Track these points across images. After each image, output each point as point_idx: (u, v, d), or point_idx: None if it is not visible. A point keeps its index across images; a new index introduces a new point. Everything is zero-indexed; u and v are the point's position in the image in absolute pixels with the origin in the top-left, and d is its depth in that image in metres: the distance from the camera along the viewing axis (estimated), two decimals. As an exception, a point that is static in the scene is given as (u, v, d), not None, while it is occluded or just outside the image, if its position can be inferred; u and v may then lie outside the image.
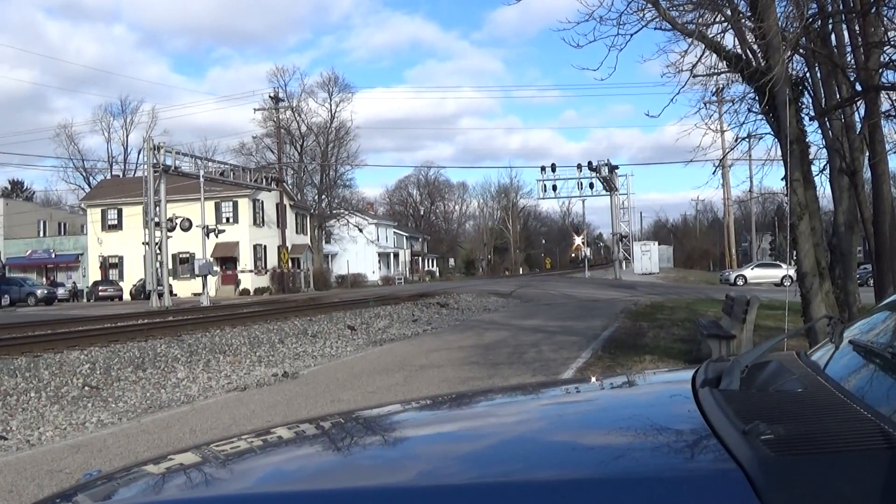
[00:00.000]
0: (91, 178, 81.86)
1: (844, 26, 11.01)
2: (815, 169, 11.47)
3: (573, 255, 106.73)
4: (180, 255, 53.01)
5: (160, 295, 39.09)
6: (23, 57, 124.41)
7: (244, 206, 58.35)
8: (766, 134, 12.48)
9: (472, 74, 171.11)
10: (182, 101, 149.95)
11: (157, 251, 39.58)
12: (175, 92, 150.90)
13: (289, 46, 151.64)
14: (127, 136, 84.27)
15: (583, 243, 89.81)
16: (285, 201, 61.86)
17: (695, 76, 10.45)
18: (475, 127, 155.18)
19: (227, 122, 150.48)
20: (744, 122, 12.66)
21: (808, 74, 11.54)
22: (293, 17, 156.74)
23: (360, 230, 73.77)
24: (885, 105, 11.40)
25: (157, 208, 39.76)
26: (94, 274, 58.59)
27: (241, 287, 56.78)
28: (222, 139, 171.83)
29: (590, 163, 55.33)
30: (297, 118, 68.68)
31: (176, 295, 46.33)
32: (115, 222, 59.89)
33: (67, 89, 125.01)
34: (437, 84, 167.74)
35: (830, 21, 10.83)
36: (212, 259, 46.94)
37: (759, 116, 11.50)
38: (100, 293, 52.97)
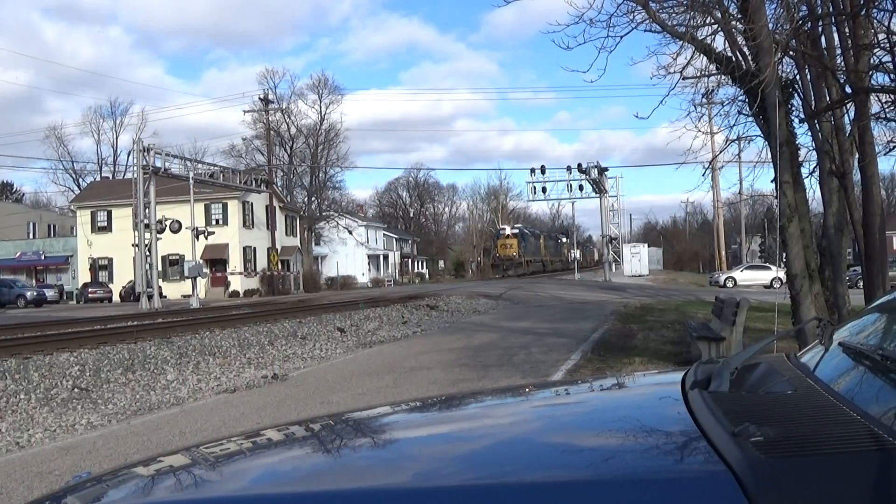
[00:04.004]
0: (81, 180, 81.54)
1: (834, 29, 11.05)
2: (804, 171, 11.53)
3: (498, 254, 73.14)
4: (170, 257, 52.80)
5: (150, 297, 38.93)
6: (18, 59, 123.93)
7: (234, 207, 58.20)
8: (756, 136, 12.54)
9: (468, 76, 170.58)
10: (176, 103, 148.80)
11: (147, 253, 39.42)
12: (169, 94, 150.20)
13: (285, 49, 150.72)
14: (116, 138, 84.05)
15: (517, 237, 72.01)
16: (275, 203, 61.73)
17: (685, 78, 10.50)
18: (469, 129, 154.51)
19: (220, 123, 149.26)
20: (734, 125, 12.71)
21: (798, 77, 11.58)
22: (291, 20, 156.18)
23: (350, 232, 73.73)
24: (875, 107, 11.46)
25: (147, 210, 39.60)
26: (84, 276, 58.31)
27: (230, 289, 56.55)
28: (213, 141, 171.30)
29: (579, 165, 55.21)
30: (287, 120, 68.61)
31: (165, 297, 46.13)
32: (105, 224, 59.60)
33: (62, 91, 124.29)
34: (433, 86, 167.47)
35: (820, 23, 10.87)
36: (201, 261, 46.78)
37: (750, 119, 11.55)
38: (89, 295, 52.79)
